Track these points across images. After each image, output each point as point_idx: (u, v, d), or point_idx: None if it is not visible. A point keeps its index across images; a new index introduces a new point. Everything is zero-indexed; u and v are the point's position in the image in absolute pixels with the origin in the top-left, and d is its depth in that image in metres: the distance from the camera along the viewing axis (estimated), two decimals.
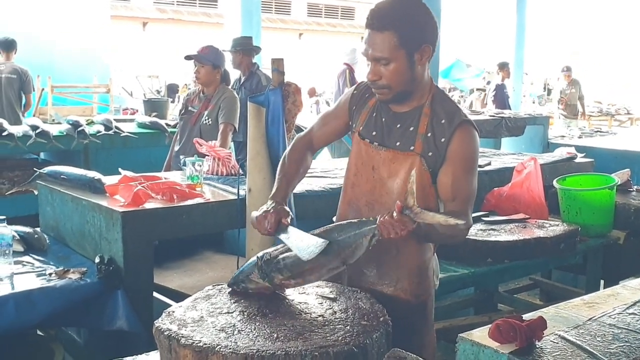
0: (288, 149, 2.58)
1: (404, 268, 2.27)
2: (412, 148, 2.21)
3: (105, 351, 3.14)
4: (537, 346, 1.56)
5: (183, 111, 4.88)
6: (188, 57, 4.76)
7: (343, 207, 2.43)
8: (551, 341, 1.60)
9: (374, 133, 2.31)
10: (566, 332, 1.66)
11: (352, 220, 2.13)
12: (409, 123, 2.24)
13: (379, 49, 2.11)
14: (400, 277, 2.26)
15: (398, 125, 2.26)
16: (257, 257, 2.16)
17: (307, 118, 8.44)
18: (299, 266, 2.05)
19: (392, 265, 2.28)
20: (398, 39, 2.09)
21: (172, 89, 15.44)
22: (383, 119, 2.30)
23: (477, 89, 14.44)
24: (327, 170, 4.28)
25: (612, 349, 1.56)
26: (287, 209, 2.29)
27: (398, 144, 2.25)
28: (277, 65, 3.16)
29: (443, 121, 2.20)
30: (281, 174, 2.44)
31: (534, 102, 19.03)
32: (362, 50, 2.21)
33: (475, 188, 2.22)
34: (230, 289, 2.17)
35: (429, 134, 2.20)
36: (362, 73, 9.16)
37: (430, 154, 2.20)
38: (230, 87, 5.58)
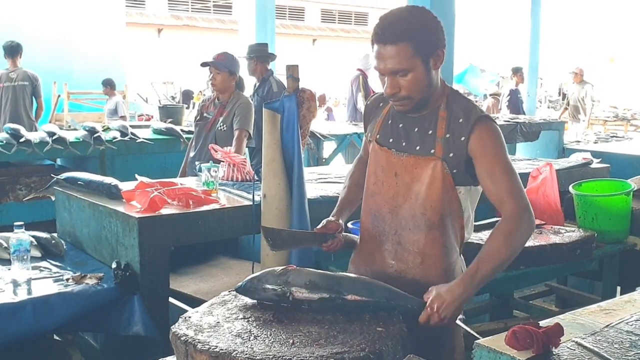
0: (348, 173, 2.64)
1: (431, 272, 2.26)
2: (432, 151, 2.21)
3: (121, 356, 3.16)
4: (554, 353, 1.55)
5: (198, 117, 4.91)
6: (204, 64, 4.78)
7: (365, 217, 2.42)
8: (568, 348, 1.59)
9: (390, 140, 2.32)
10: (583, 338, 1.65)
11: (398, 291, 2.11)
12: (427, 127, 2.24)
13: (395, 61, 2.10)
14: (428, 282, 2.22)
15: (416, 130, 2.27)
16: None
17: (320, 125, 8.47)
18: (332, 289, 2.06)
19: (418, 271, 2.27)
20: (413, 48, 2.09)
21: (187, 95, 15.52)
22: (400, 125, 2.31)
23: (491, 95, 14.40)
24: (341, 176, 4.28)
25: (630, 356, 1.55)
26: (340, 222, 2.48)
27: (418, 148, 2.25)
28: (292, 71, 3.18)
29: (460, 120, 2.20)
30: (340, 195, 2.59)
31: (548, 107, 18.93)
32: (374, 66, 2.20)
33: (516, 177, 2.19)
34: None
35: (448, 135, 2.20)
36: (376, 79, 9.20)
37: (451, 154, 2.20)
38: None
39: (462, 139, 2.18)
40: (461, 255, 2.37)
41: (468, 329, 2.14)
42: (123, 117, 10.80)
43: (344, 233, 2.51)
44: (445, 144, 2.20)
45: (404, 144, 2.28)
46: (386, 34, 2.11)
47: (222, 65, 4.70)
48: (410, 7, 2.26)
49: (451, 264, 2.29)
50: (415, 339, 2.04)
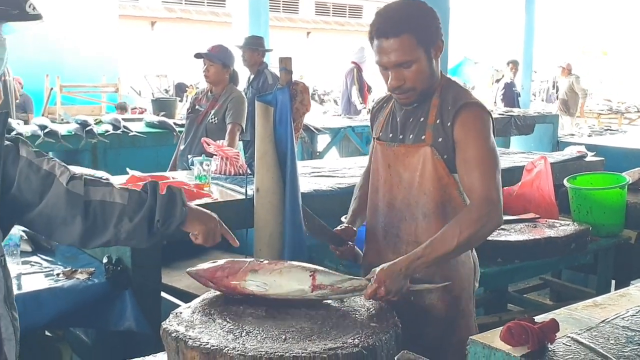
0: (356, 186, 2.67)
1: (432, 265, 2.22)
2: (423, 138, 2.23)
3: (113, 352, 3.13)
4: (550, 349, 1.53)
5: (190, 110, 4.88)
6: (198, 55, 4.74)
7: (368, 213, 2.47)
8: (564, 344, 1.57)
9: (390, 135, 2.36)
10: (579, 334, 1.63)
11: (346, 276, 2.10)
12: (419, 116, 2.27)
13: (400, 53, 2.13)
14: (430, 275, 2.23)
15: (411, 120, 2.29)
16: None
17: (314, 119, 8.45)
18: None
19: None
20: (416, 38, 2.13)
21: (181, 89, 15.46)
22: (397, 119, 2.34)
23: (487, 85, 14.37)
24: (335, 170, 4.26)
25: (626, 352, 1.54)
26: (355, 228, 2.53)
27: (411, 136, 2.27)
28: (285, 64, 3.14)
29: (449, 107, 2.22)
30: (351, 206, 2.62)
31: (543, 100, 18.94)
32: (376, 61, 2.22)
33: (492, 169, 2.15)
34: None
35: (438, 121, 2.22)
36: (370, 72, 9.17)
37: (440, 139, 2.21)
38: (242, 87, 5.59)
39: (449, 124, 2.20)
40: (472, 251, 2.35)
41: (422, 287, 2.16)
42: None
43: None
44: (435, 131, 2.22)
45: (400, 136, 2.31)
46: (388, 27, 2.13)
47: (216, 58, 4.66)
48: (406, 0, 2.25)
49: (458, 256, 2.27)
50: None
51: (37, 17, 1.63)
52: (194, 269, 2.16)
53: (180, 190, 1.87)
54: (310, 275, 2.02)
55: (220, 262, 2.14)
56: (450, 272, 2.25)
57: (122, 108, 10.96)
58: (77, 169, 3.55)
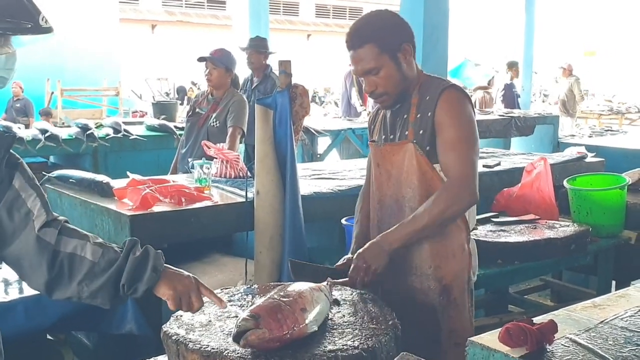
0: (357, 208, 2.70)
1: (422, 254, 2.34)
2: (406, 134, 2.35)
3: (114, 355, 3.14)
4: (548, 350, 1.54)
5: (190, 113, 4.87)
6: (201, 59, 4.73)
7: (371, 211, 2.55)
8: (562, 345, 1.58)
9: (383, 137, 2.47)
10: (577, 335, 1.64)
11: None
12: (403, 114, 2.39)
13: (365, 62, 2.29)
14: (419, 264, 2.35)
15: (397, 119, 2.42)
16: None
17: (314, 121, 8.45)
18: None
19: (406, 255, 2.35)
20: (378, 47, 2.28)
21: (181, 91, 15.48)
22: (387, 121, 2.47)
23: (480, 88, 14.35)
24: (335, 172, 4.27)
25: (625, 352, 1.54)
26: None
27: (398, 134, 2.39)
28: (285, 67, 3.15)
29: (428, 98, 2.32)
30: (354, 231, 2.64)
31: (543, 102, 18.95)
32: (352, 70, 2.41)
33: (468, 152, 2.26)
34: (238, 293, 2.17)
35: (418, 115, 2.33)
36: None
37: (421, 132, 2.31)
38: (241, 88, 5.57)
39: (429, 114, 2.30)
40: (468, 243, 2.39)
41: (338, 281, 2.23)
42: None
43: None
44: (415, 126, 2.33)
45: (391, 136, 2.43)
46: (353, 40, 2.32)
47: (219, 61, 4.66)
48: (374, 11, 2.40)
49: (445, 245, 2.33)
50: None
51: (49, 30, 1.64)
52: (250, 343, 1.70)
53: (157, 253, 1.76)
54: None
55: (247, 315, 1.74)
56: (440, 263, 2.34)
57: (46, 114, 10.49)
58: (78, 172, 3.57)
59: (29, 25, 1.59)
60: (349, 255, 2.47)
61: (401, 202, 2.38)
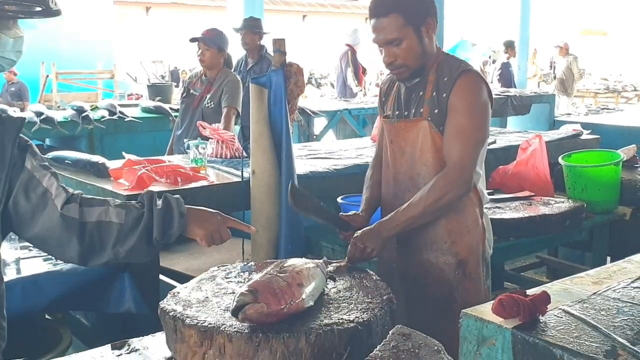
0: (367, 176, 2.69)
1: (439, 230, 2.37)
2: (421, 111, 2.34)
3: (112, 334, 3.14)
4: (541, 321, 1.55)
5: (185, 94, 4.86)
6: (193, 40, 4.71)
7: (383, 188, 2.56)
8: (555, 316, 1.59)
9: (397, 112, 2.46)
10: (570, 306, 1.65)
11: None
12: (419, 90, 2.37)
13: (388, 32, 2.26)
14: (434, 240, 2.39)
15: (412, 96, 2.40)
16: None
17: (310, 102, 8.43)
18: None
19: (421, 231, 2.39)
20: (403, 18, 2.24)
21: (176, 74, 15.41)
22: (402, 97, 2.45)
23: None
24: (331, 152, 4.27)
25: (617, 322, 1.56)
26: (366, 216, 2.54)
27: (413, 111, 2.38)
28: (279, 45, 3.15)
29: (445, 78, 2.32)
30: (364, 195, 2.63)
31: (540, 81, 18.90)
32: (372, 39, 2.33)
33: (472, 141, 2.29)
34: (235, 270, 2.18)
35: (434, 94, 2.32)
36: (364, 54, 9.14)
37: (436, 111, 2.31)
38: (234, 69, 5.54)
39: (444, 95, 2.30)
40: (482, 218, 2.43)
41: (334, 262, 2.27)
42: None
43: None
44: (431, 104, 2.32)
45: (405, 112, 2.42)
46: (378, 8, 2.28)
47: (211, 41, 4.64)
48: None
49: (459, 222, 2.36)
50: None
51: (58, 12, 1.65)
52: (248, 317, 1.68)
53: (177, 199, 1.83)
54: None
55: (245, 290, 1.72)
56: (455, 238, 2.38)
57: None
58: (73, 153, 3.57)
59: (40, 8, 1.59)
60: (360, 213, 2.54)
61: (416, 179, 2.39)
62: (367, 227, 2.34)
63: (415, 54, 2.30)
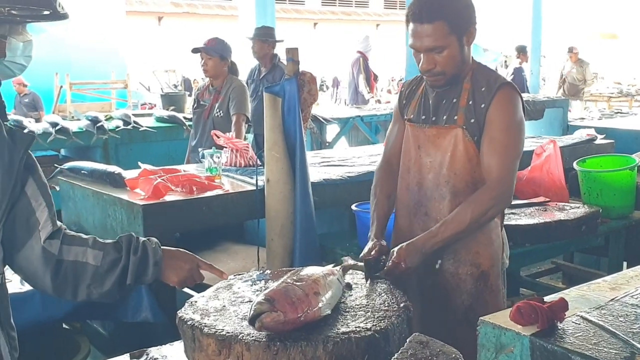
0: (373, 184, 2.59)
1: (460, 241, 2.33)
2: (455, 118, 2.31)
3: (130, 343, 3.17)
4: (559, 327, 1.55)
5: (195, 105, 4.91)
6: (195, 50, 4.76)
7: (400, 193, 2.50)
8: (573, 322, 1.59)
9: (423, 117, 2.41)
10: (588, 313, 1.65)
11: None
12: (452, 97, 2.34)
13: (432, 39, 2.21)
14: (458, 249, 2.36)
15: (444, 102, 2.36)
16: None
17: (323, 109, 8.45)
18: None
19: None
20: (449, 26, 2.20)
21: (189, 83, 15.49)
22: (430, 101, 2.40)
23: None
24: (344, 159, 4.28)
25: (635, 328, 1.55)
26: (385, 243, 2.36)
27: (445, 117, 2.34)
28: (292, 54, 3.16)
29: (483, 89, 2.29)
30: (374, 212, 2.51)
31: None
32: (410, 43, 2.28)
33: (512, 155, 2.28)
34: (250, 279, 2.19)
35: (470, 103, 2.29)
36: (375, 61, 9.15)
37: (472, 120, 2.29)
38: (247, 78, 5.57)
39: (483, 106, 2.27)
40: (501, 228, 2.43)
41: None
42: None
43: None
44: (467, 112, 2.29)
45: (433, 118, 2.38)
46: (423, 13, 2.20)
47: (213, 51, 4.68)
48: None
49: (483, 232, 2.34)
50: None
51: (66, 16, 1.66)
52: (265, 325, 1.71)
53: (154, 248, 1.83)
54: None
55: (262, 299, 1.74)
56: (479, 249, 2.36)
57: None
58: (89, 164, 3.59)
59: (48, 12, 1.61)
60: (378, 241, 2.34)
61: (443, 187, 2.35)
62: (407, 244, 2.25)
63: (455, 62, 2.26)
